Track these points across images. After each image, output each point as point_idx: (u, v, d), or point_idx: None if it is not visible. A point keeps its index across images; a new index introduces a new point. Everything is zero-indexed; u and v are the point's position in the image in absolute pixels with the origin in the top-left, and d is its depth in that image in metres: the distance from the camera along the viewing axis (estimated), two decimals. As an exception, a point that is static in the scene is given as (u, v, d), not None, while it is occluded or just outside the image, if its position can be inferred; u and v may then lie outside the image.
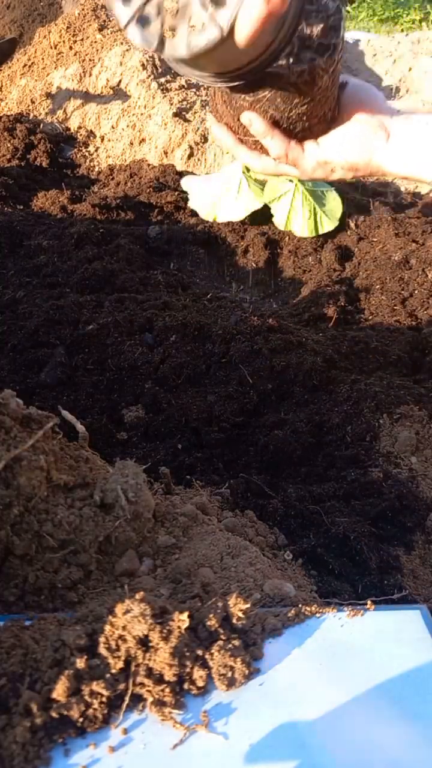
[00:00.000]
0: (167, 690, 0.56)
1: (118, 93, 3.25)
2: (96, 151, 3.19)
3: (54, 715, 0.53)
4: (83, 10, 3.69)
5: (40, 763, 0.51)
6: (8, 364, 1.46)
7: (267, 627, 0.63)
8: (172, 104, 3.06)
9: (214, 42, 0.45)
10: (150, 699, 0.56)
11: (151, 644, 0.57)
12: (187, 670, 0.57)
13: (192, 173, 2.75)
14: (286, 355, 1.47)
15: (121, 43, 3.41)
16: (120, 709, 0.55)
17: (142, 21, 0.46)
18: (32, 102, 3.39)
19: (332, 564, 0.97)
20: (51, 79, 3.46)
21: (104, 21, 3.62)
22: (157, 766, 0.51)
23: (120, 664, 0.56)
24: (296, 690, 0.57)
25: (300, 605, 0.66)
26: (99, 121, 3.25)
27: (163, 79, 3.24)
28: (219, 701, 0.56)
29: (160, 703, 0.55)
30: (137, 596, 0.59)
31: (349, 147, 0.70)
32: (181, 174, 2.65)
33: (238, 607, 0.61)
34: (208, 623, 0.60)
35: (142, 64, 3.24)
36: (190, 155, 2.94)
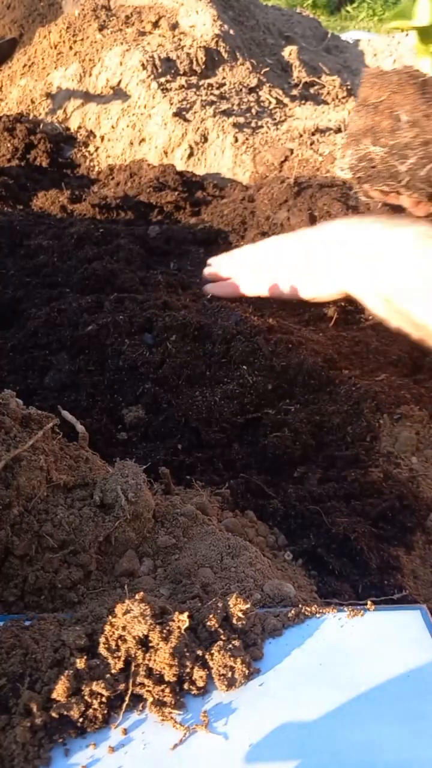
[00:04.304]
0: (167, 690, 0.56)
1: (118, 93, 3.25)
2: (96, 150, 3.19)
3: (54, 715, 0.53)
4: (83, 10, 3.69)
5: (40, 763, 0.51)
6: (8, 364, 1.46)
7: (267, 627, 0.63)
8: (172, 104, 3.06)
9: None
10: (150, 699, 0.56)
11: (151, 644, 0.57)
12: (187, 670, 0.57)
13: (192, 173, 2.75)
14: (286, 355, 1.47)
15: (121, 43, 3.41)
16: (120, 709, 0.55)
17: None
18: (32, 102, 3.39)
19: (332, 564, 0.97)
20: (51, 79, 3.46)
21: (104, 21, 3.62)
22: (157, 766, 0.51)
23: (120, 665, 0.56)
24: (296, 690, 0.57)
25: (300, 605, 0.66)
26: (99, 121, 3.25)
27: (163, 79, 3.24)
28: (219, 701, 0.56)
29: (160, 704, 0.55)
30: (137, 596, 0.59)
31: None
32: (181, 174, 2.65)
33: (238, 607, 0.61)
34: (208, 623, 0.60)
35: (142, 64, 3.24)
36: (190, 155, 2.94)
